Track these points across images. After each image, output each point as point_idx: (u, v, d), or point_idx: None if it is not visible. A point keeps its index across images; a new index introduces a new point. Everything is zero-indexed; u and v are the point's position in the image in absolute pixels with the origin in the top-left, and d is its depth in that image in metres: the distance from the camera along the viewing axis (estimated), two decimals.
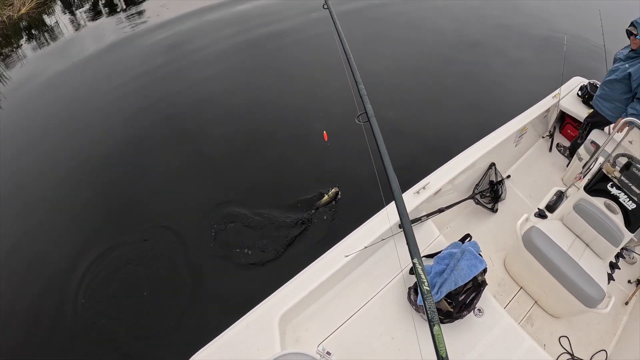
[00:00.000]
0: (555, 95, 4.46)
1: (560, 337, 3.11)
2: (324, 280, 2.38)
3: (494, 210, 3.62)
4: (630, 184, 2.88)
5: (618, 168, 2.95)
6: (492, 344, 2.43)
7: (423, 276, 1.32)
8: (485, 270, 2.52)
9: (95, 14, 8.38)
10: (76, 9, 8.65)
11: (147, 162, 4.77)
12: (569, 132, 4.71)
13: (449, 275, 2.35)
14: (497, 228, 3.59)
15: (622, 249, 3.26)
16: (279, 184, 4.44)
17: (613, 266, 3.15)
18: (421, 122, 5.36)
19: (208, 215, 4.07)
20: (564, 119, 4.79)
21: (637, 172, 2.84)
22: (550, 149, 4.55)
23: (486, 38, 7.60)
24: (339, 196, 4.24)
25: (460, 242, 2.56)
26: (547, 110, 4.39)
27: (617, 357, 3.11)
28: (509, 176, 4.01)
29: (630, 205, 2.82)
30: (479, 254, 2.55)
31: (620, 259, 3.27)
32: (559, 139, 4.71)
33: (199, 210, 4.13)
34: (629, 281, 3.66)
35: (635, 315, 3.41)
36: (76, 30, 7.84)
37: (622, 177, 2.90)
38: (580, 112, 4.37)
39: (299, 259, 3.32)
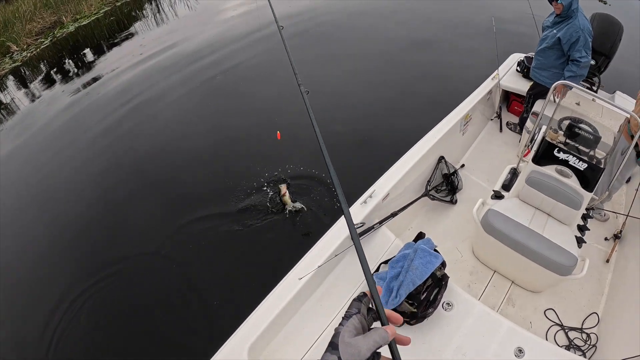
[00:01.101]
0: (494, 77, 4.53)
1: (545, 311, 3.09)
2: (284, 306, 2.34)
3: (453, 201, 3.62)
4: (576, 145, 2.91)
5: (562, 132, 2.98)
6: (468, 334, 2.40)
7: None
8: (444, 264, 2.52)
9: (48, 82, 8.39)
10: (29, 82, 8.68)
11: (121, 213, 4.70)
12: (516, 108, 4.79)
13: (405, 276, 2.35)
14: (459, 218, 3.59)
15: (589, 209, 3.26)
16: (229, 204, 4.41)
17: (582, 229, 3.14)
18: (380, 130, 5.35)
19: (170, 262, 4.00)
20: (508, 97, 4.88)
21: (579, 131, 2.87)
22: (501, 129, 4.60)
23: (433, 36, 7.74)
24: (284, 193, 4.12)
25: (413, 242, 2.56)
26: (490, 93, 4.44)
27: (610, 317, 3.09)
28: (463, 165, 4.03)
29: (582, 166, 2.83)
30: (435, 249, 2.58)
31: (589, 219, 3.26)
32: (508, 117, 4.78)
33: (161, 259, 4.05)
34: (606, 238, 3.67)
35: (619, 271, 3.41)
36: (31, 101, 7.80)
37: (568, 140, 2.93)
38: (523, 86, 4.45)
39: (258, 286, 3.31)
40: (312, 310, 2.51)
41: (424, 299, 2.38)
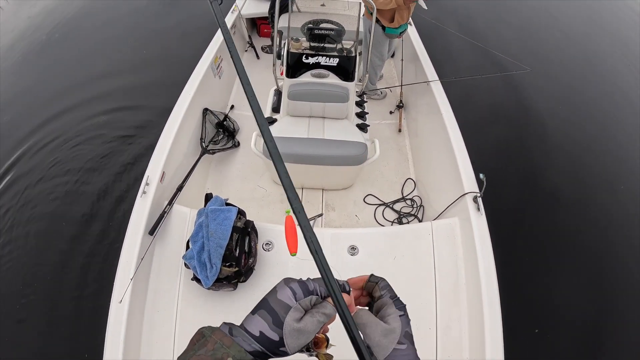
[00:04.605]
0: (233, 9, 4.38)
1: (365, 198, 3.28)
2: (124, 338, 2.02)
3: (236, 145, 3.51)
4: (322, 45, 2.96)
5: (305, 38, 3.00)
6: (300, 260, 2.38)
7: None
8: (242, 213, 2.43)
9: None
10: None
11: None
12: (266, 31, 4.82)
13: (209, 244, 2.18)
14: (248, 158, 3.50)
15: (361, 95, 3.42)
16: None
17: (361, 115, 3.29)
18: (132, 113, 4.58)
19: None
20: (255, 23, 4.86)
21: (320, 32, 2.92)
22: (258, 57, 4.58)
23: None
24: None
25: (204, 208, 2.39)
26: (234, 27, 4.32)
27: (422, 175, 3.39)
28: (232, 107, 3.90)
29: (334, 62, 2.90)
30: (227, 203, 2.45)
31: (366, 103, 3.42)
32: (262, 42, 4.77)
33: None
34: (391, 112, 4.00)
35: (412, 133, 3.74)
36: None
37: (313, 44, 2.97)
38: (264, 8, 4.44)
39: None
40: (154, 321, 2.24)
41: (239, 254, 2.27)
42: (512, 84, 5.17)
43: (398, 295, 0.70)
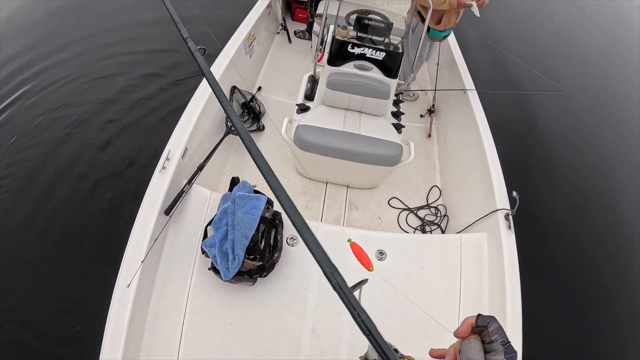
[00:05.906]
0: None
1: (389, 201, 3.15)
2: (128, 324, 1.84)
3: (260, 128, 3.31)
4: (369, 36, 2.83)
5: (351, 28, 2.86)
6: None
7: None
8: (270, 202, 2.26)
9: None
10: None
11: None
12: (301, 15, 4.65)
13: (234, 233, 1.99)
14: (272, 143, 3.29)
15: (398, 94, 3.29)
16: None
17: (397, 115, 3.16)
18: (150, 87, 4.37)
19: None
20: (290, 6, 4.69)
21: (369, 22, 2.79)
22: (290, 40, 4.39)
23: None
24: None
25: (230, 193, 2.20)
26: (269, 7, 4.12)
27: (448, 185, 3.27)
28: (260, 88, 3.69)
29: (380, 55, 2.76)
30: (255, 190, 2.27)
31: (401, 104, 3.31)
32: (294, 26, 4.58)
33: None
34: (421, 115, 3.87)
35: (442, 141, 3.61)
36: None
37: (360, 34, 2.83)
38: None
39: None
40: (160, 310, 2.05)
41: (263, 247, 2.09)
42: (530, 104, 5.09)
43: (510, 341, 0.65)
